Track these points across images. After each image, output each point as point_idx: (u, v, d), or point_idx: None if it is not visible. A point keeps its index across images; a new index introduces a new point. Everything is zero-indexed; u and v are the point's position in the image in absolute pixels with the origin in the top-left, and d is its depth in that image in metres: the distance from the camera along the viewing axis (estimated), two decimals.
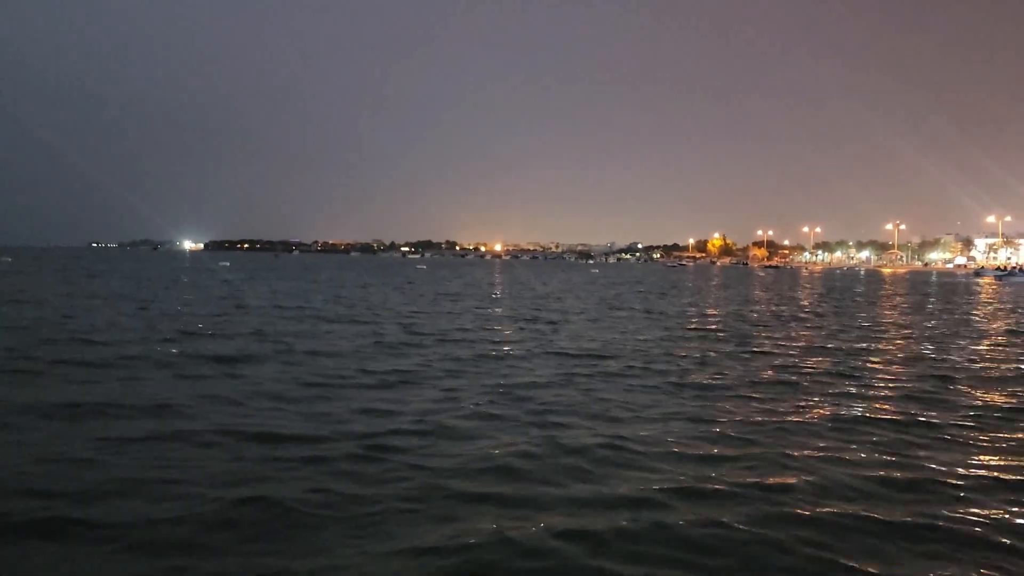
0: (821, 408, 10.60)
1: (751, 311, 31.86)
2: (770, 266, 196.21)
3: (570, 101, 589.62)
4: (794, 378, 13.30)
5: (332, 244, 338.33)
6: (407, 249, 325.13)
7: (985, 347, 19.18)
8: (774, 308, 34.19)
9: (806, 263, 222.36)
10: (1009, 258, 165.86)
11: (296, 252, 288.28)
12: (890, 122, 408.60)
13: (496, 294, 41.47)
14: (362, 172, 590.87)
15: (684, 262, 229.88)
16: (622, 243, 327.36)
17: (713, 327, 23.50)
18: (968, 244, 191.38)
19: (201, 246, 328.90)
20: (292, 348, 15.76)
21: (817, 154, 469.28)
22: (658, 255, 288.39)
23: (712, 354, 16.39)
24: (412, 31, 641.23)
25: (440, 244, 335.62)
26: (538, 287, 51.20)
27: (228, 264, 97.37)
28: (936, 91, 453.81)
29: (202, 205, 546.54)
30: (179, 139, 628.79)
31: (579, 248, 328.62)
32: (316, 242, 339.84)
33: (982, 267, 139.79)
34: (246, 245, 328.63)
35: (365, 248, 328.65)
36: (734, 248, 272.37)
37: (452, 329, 20.75)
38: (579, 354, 15.94)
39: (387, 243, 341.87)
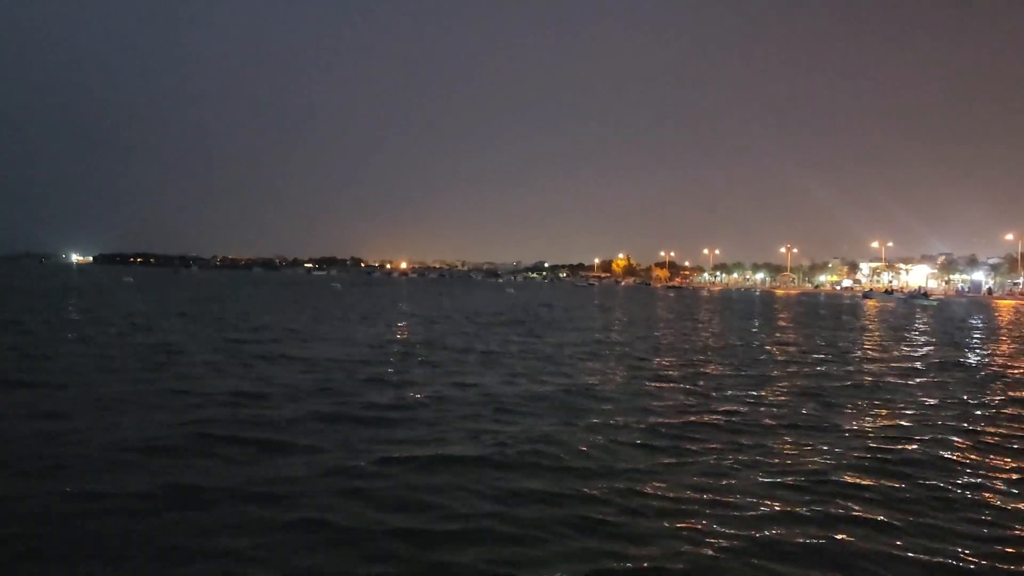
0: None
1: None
2: (672, 286, 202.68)
3: (474, 119, 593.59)
4: None
5: (232, 259, 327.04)
6: (311, 265, 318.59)
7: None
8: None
9: (707, 283, 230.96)
10: (891, 281, 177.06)
11: (195, 268, 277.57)
12: (785, 151, 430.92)
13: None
14: (261, 185, 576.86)
15: (591, 282, 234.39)
16: (528, 262, 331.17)
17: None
18: (854, 268, 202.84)
19: (90, 259, 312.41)
20: None
21: (716, 179, 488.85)
22: (564, 274, 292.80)
23: None
24: (314, 44, 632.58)
25: (345, 261, 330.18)
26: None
27: (132, 280, 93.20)
28: (827, 123, 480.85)
29: (90, 216, 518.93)
30: (64, 146, 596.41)
31: (485, 266, 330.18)
32: (215, 257, 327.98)
33: (870, 289, 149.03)
34: (139, 259, 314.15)
35: (267, 264, 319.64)
36: (638, 268, 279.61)
37: None
38: None
39: (290, 259, 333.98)
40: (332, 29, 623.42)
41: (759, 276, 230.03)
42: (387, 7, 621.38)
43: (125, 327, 26.68)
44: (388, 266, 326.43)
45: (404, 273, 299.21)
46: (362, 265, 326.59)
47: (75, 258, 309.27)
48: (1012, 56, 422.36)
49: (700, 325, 40.51)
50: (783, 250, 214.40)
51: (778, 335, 33.18)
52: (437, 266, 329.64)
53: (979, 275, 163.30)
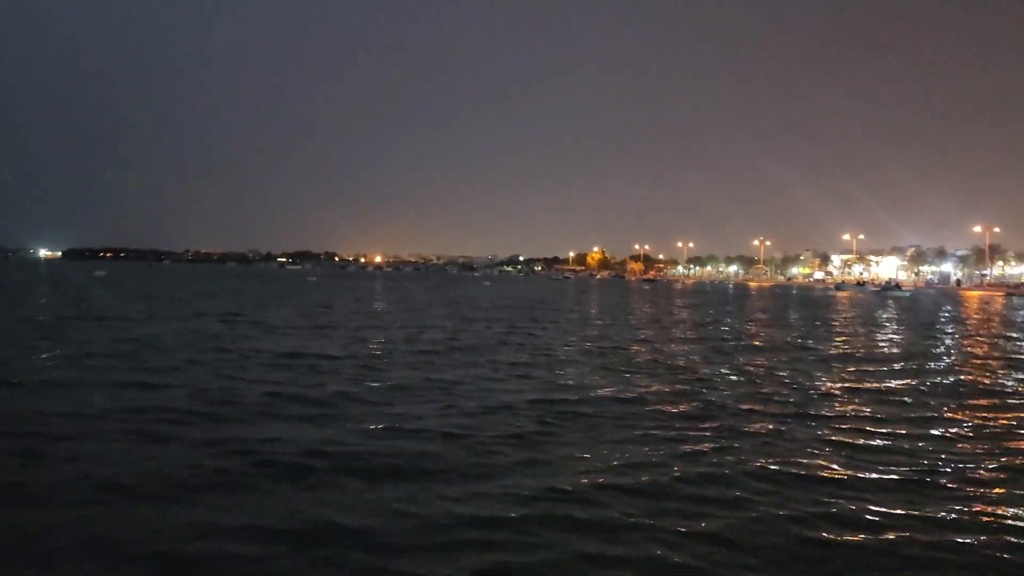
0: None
1: None
2: (647, 279, 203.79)
3: (448, 113, 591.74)
4: None
5: (204, 253, 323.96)
6: (284, 260, 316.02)
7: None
8: None
9: (680, 276, 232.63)
10: (862, 273, 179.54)
11: (166, 262, 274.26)
12: (759, 146, 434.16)
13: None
14: (233, 179, 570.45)
15: (567, 275, 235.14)
16: (503, 255, 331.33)
17: None
18: (825, 260, 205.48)
19: (59, 254, 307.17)
20: None
21: (690, 173, 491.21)
22: (539, 268, 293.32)
23: None
24: (287, 36, 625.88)
25: (319, 255, 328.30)
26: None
27: (104, 274, 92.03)
28: (799, 120, 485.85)
29: (58, 210, 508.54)
30: (32, 138, 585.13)
31: (461, 260, 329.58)
32: (187, 251, 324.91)
33: (842, 282, 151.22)
34: (109, 254, 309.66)
35: (240, 258, 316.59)
36: (612, 261, 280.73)
37: None
38: None
39: (263, 253, 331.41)
40: (304, 22, 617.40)
41: (732, 269, 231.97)
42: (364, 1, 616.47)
43: (108, 323, 26.36)
44: (363, 260, 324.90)
45: (379, 267, 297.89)
46: (336, 259, 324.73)
47: (43, 253, 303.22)
48: (976, 54, 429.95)
49: (683, 320, 40.84)
50: (756, 243, 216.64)
51: (764, 331, 33.48)
52: (412, 260, 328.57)
53: (948, 267, 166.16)
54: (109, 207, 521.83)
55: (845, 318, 43.74)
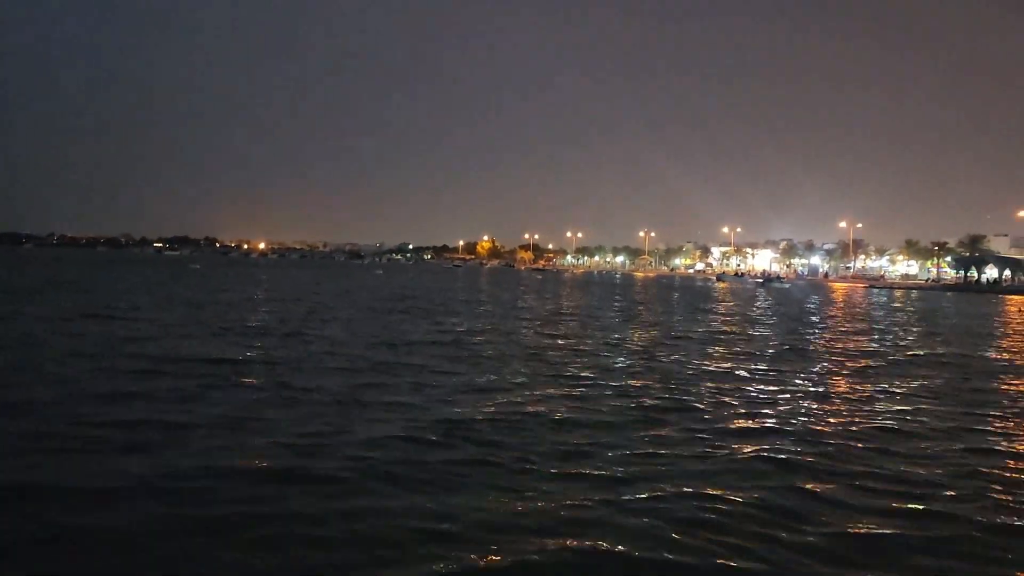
0: None
1: None
2: (537, 269, 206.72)
3: (335, 94, 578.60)
4: None
5: (72, 238, 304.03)
6: (162, 245, 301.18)
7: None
8: None
9: (570, 266, 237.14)
10: (739, 264, 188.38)
11: (28, 246, 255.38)
12: (644, 139, 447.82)
13: None
14: (101, 157, 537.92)
15: (456, 263, 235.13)
16: (391, 243, 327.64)
17: None
18: (706, 252, 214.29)
19: None
20: None
21: (579, 164, 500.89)
22: (429, 256, 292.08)
23: None
24: (162, 9, 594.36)
25: (199, 241, 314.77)
26: None
27: None
28: (682, 114, 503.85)
29: None
30: None
31: (348, 248, 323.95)
32: (52, 235, 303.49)
33: (723, 272, 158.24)
34: None
35: (112, 243, 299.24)
36: (502, 250, 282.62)
37: None
38: None
39: (137, 238, 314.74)
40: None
41: (619, 259, 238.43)
42: None
43: None
44: (246, 246, 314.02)
45: (263, 254, 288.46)
46: (217, 245, 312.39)
47: None
48: (850, 52, 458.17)
49: (582, 312, 41.79)
50: (641, 234, 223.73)
51: (679, 329, 34.67)
52: (298, 247, 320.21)
53: (816, 259, 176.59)
54: None
55: (765, 313, 46.03)
